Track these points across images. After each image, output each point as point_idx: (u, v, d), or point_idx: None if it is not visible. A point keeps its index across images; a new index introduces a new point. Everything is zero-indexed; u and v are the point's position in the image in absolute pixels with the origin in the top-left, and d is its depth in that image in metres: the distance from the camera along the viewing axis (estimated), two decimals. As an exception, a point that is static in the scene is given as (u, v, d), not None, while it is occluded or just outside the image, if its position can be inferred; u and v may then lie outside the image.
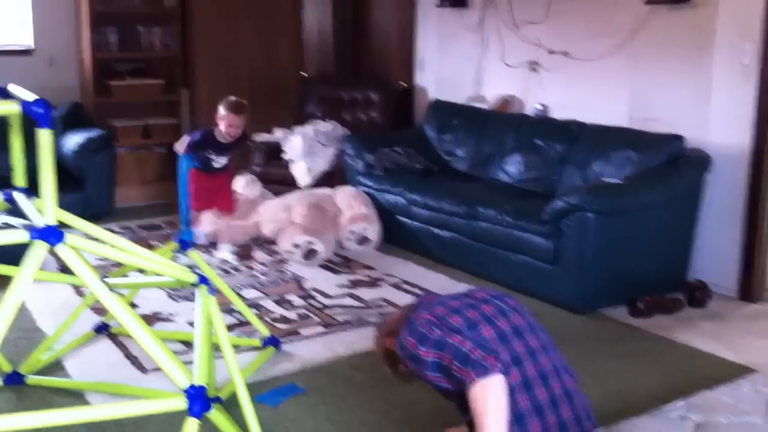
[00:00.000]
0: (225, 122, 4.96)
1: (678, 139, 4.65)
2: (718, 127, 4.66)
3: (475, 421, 2.16)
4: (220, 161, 5.13)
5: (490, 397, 2.14)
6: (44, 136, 2.31)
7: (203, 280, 2.93)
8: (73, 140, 6.28)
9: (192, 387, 2.38)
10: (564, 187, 5.02)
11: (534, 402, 2.36)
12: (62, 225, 2.45)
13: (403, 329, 2.50)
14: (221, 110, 4.96)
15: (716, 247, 4.71)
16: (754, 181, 4.49)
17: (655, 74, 5.01)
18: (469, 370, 2.18)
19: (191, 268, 3.26)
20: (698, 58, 4.73)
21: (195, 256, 3.56)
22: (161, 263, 2.79)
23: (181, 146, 4.90)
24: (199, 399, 2.38)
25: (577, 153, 5.10)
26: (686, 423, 2.25)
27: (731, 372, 3.59)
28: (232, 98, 5.04)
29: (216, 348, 3.25)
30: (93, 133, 6.34)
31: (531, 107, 5.89)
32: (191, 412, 2.37)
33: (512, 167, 5.50)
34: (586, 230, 4.26)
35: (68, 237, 2.37)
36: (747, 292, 4.57)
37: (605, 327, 4.22)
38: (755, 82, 4.44)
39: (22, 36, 6.78)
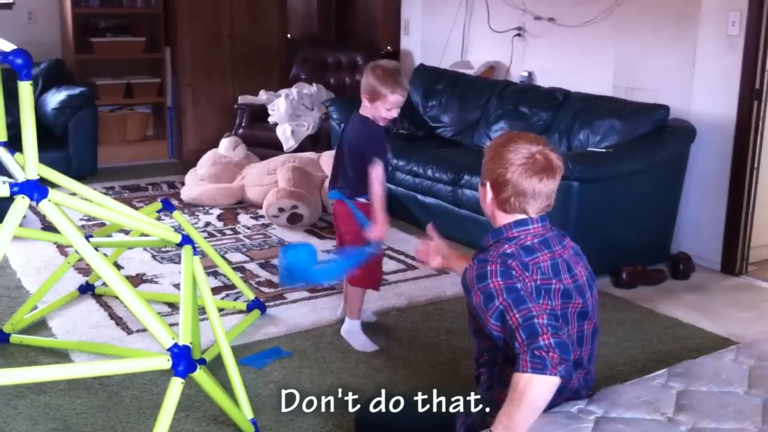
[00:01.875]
0: (392, 103, 3.28)
1: (663, 108, 4.62)
2: (703, 97, 4.64)
3: (506, 403, 2.00)
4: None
5: (532, 395, 1.92)
6: (24, 88, 2.26)
7: (187, 240, 2.91)
8: (55, 98, 6.19)
9: (176, 346, 2.35)
10: (549, 155, 5.00)
11: None
12: (46, 182, 2.41)
13: (496, 256, 2.10)
14: (382, 89, 3.23)
15: (700, 219, 4.72)
16: (739, 153, 4.48)
17: (640, 42, 4.98)
18: (527, 354, 1.92)
19: (176, 229, 3.24)
20: (684, 26, 4.70)
21: (179, 217, 3.52)
22: (146, 222, 2.76)
23: (381, 224, 3.55)
24: (183, 358, 2.35)
25: (561, 121, 5.08)
26: (668, 391, 2.25)
27: (713, 343, 3.61)
28: (385, 64, 3.32)
29: (201, 311, 3.24)
30: (74, 90, 6.25)
31: (516, 74, 5.86)
32: (176, 371, 2.34)
33: (497, 134, 5.47)
34: (569, 198, 4.24)
35: (52, 192, 2.33)
36: (730, 264, 4.58)
37: (588, 295, 4.23)
38: (741, 53, 4.41)
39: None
